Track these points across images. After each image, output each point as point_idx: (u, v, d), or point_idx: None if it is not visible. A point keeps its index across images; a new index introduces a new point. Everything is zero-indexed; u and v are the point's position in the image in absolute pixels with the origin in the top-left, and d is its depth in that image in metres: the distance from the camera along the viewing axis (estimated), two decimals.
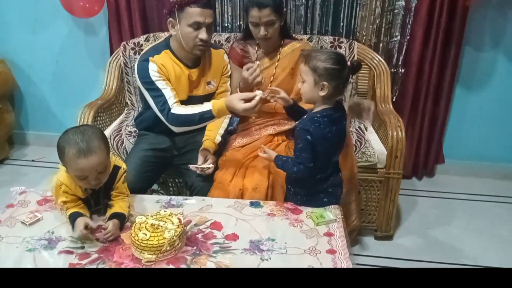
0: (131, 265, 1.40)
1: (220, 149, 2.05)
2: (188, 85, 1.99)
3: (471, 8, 2.43)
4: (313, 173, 1.63)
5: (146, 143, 2.07)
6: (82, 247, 1.47)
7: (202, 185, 1.93)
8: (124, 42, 2.51)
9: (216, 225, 1.58)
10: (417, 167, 2.85)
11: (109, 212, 1.57)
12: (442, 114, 2.71)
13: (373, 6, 2.46)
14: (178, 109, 1.87)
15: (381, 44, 2.55)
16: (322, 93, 1.58)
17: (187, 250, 1.46)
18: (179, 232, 1.44)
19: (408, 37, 2.51)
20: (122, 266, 1.39)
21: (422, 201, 2.64)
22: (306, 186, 1.69)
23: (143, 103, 2.12)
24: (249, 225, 1.59)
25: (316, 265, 1.40)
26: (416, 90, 2.63)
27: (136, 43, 2.49)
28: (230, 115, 2.11)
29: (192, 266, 1.39)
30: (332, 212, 1.64)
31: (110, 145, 1.74)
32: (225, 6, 2.55)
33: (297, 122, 1.69)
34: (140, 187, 1.90)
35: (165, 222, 1.46)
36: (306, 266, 1.39)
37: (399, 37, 2.53)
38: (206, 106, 1.82)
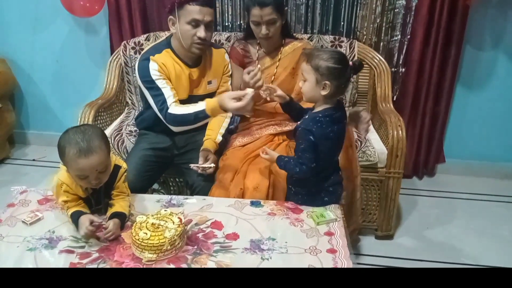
0: (131, 264, 1.40)
1: (221, 149, 2.05)
2: (188, 84, 1.99)
3: (471, 7, 2.43)
4: (315, 173, 1.63)
5: (146, 143, 2.07)
6: (83, 247, 1.47)
7: (203, 185, 1.93)
8: (124, 42, 2.51)
9: (217, 225, 1.58)
10: (418, 166, 2.85)
11: (110, 211, 1.57)
12: (443, 114, 2.71)
13: (374, 5, 2.46)
14: (175, 109, 1.88)
15: (381, 43, 2.55)
16: (323, 92, 1.58)
17: (187, 250, 1.46)
18: (179, 231, 1.44)
19: (408, 36, 2.51)
20: (123, 266, 1.39)
21: (423, 200, 2.64)
22: (307, 185, 1.69)
23: (144, 103, 2.12)
24: (249, 225, 1.59)
25: (317, 264, 1.40)
26: (417, 89, 2.63)
27: (137, 43, 2.49)
28: (231, 115, 2.11)
29: (192, 266, 1.39)
30: (332, 212, 1.64)
31: (110, 145, 1.75)
32: (226, 5, 2.55)
33: (298, 122, 1.69)
34: (140, 186, 1.90)
35: (166, 221, 1.46)
36: (307, 266, 1.39)
37: (399, 36, 2.53)
38: (200, 106, 1.82)
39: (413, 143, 2.76)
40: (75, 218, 1.51)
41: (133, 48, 2.48)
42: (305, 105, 1.85)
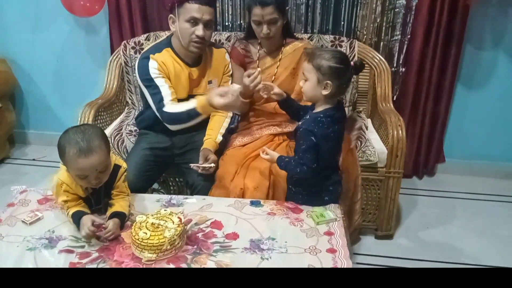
0: (131, 264, 1.40)
1: (221, 149, 2.05)
2: (188, 84, 1.99)
3: (472, 7, 2.43)
4: (315, 173, 1.63)
5: (146, 142, 2.07)
6: (83, 246, 1.47)
7: (203, 184, 1.93)
8: (124, 41, 2.51)
9: (217, 224, 1.58)
10: (418, 166, 2.84)
11: (110, 211, 1.57)
12: (443, 113, 2.71)
13: (374, 5, 2.46)
14: (170, 107, 1.89)
15: (381, 43, 2.55)
16: (325, 92, 1.58)
17: (187, 249, 1.46)
18: (179, 231, 1.44)
19: (409, 36, 2.51)
20: (123, 265, 1.39)
21: (423, 200, 2.64)
22: (308, 185, 1.69)
23: (144, 102, 2.12)
24: (249, 224, 1.59)
25: (317, 264, 1.40)
26: (417, 89, 2.62)
27: (137, 42, 2.48)
28: (231, 114, 2.11)
29: (192, 265, 1.39)
30: (332, 211, 1.64)
31: (110, 144, 1.74)
32: (226, 5, 2.54)
33: (299, 123, 1.69)
34: (140, 186, 1.90)
35: (166, 221, 1.46)
36: (307, 265, 1.39)
37: (399, 36, 2.53)
38: (191, 104, 1.83)
39: (413, 143, 2.75)
40: (76, 218, 1.51)
41: (133, 47, 2.48)
42: (303, 103, 1.86)
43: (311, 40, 2.42)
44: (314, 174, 1.62)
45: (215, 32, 2.45)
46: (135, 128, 2.29)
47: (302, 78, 1.65)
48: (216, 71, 2.08)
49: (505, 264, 2.12)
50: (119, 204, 1.59)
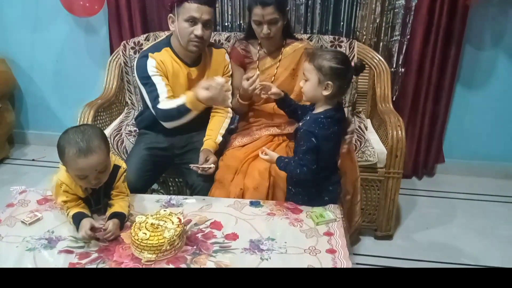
0: (131, 264, 1.40)
1: (221, 149, 2.05)
2: (186, 83, 1.99)
3: (471, 7, 2.43)
4: (315, 174, 1.63)
5: (146, 143, 2.07)
6: (82, 247, 1.47)
7: (203, 185, 1.93)
8: (124, 42, 2.51)
9: (216, 225, 1.58)
10: (417, 166, 2.84)
11: (109, 211, 1.57)
12: (442, 113, 2.71)
13: (373, 5, 2.46)
14: (163, 104, 1.88)
15: (381, 43, 2.55)
16: (325, 93, 1.58)
17: (187, 250, 1.46)
18: (179, 231, 1.44)
19: (408, 36, 2.51)
20: (122, 266, 1.39)
21: (422, 200, 2.64)
22: (308, 186, 1.69)
23: (143, 102, 2.12)
24: (249, 225, 1.59)
25: (316, 264, 1.40)
26: (416, 89, 2.62)
27: (136, 43, 2.48)
28: (231, 115, 2.11)
29: (192, 266, 1.39)
30: (332, 212, 1.64)
31: (110, 145, 1.74)
32: (225, 6, 2.54)
33: (300, 124, 1.69)
34: (140, 186, 1.90)
35: (165, 221, 1.46)
36: (306, 266, 1.39)
37: (399, 36, 2.53)
38: (181, 100, 1.83)
39: (413, 143, 2.75)
40: (77, 220, 1.51)
41: (132, 48, 2.48)
42: (302, 103, 1.85)
43: (311, 40, 2.42)
44: (314, 175, 1.62)
45: (215, 33, 2.45)
46: (135, 128, 2.28)
47: (303, 78, 1.65)
48: (216, 72, 2.07)
49: (505, 264, 2.12)
50: (118, 205, 1.58)
